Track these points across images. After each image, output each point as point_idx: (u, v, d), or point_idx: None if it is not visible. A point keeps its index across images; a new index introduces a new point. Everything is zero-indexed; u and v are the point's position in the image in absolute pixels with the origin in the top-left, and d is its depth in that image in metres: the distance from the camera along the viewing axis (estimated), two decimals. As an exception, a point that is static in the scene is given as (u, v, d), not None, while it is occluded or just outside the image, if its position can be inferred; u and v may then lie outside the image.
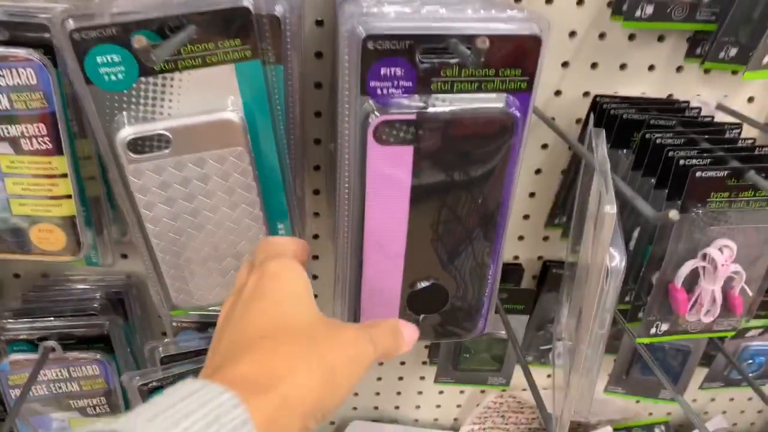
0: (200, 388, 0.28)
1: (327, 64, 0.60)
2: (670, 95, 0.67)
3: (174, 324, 0.64)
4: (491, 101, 0.42)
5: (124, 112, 0.43)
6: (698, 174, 0.50)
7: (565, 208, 0.73)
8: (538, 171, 0.71)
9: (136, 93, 0.43)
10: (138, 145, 0.44)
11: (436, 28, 0.39)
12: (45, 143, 0.53)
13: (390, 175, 0.43)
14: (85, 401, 0.67)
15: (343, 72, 0.39)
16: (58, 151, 0.53)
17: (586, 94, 0.66)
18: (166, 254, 0.49)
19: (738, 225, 0.53)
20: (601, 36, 0.62)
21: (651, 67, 0.65)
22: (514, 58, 0.40)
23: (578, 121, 0.68)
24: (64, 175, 0.54)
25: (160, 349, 0.61)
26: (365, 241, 0.47)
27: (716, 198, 0.52)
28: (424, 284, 0.50)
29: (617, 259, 0.47)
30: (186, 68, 0.43)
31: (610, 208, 0.43)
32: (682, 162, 0.52)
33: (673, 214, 0.39)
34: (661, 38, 0.63)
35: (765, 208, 0.52)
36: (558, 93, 0.66)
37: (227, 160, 0.46)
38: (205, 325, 0.63)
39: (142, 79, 0.42)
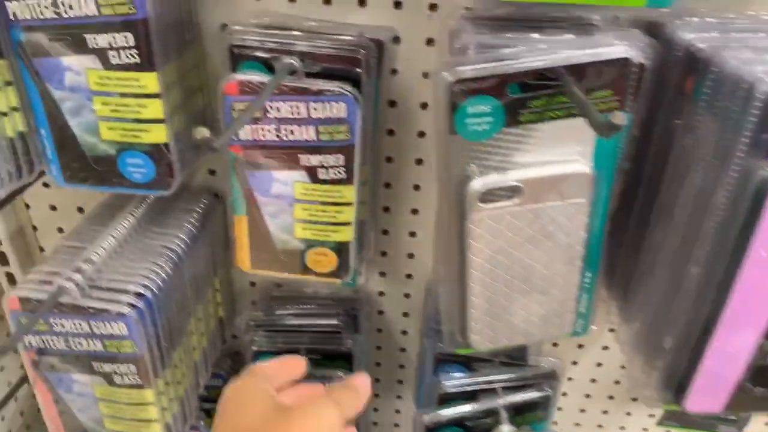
0: None
1: None
2: None
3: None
4: None
5: (477, 162, 0.42)
6: None
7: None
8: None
9: (495, 143, 0.41)
10: (488, 196, 0.42)
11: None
12: (339, 173, 0.53)
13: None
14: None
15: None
16: (349, 181, 0.53)
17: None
18: (478, 298, 0.48)
19: None
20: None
21: None
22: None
23: None
24: (350, 204, 0.54)
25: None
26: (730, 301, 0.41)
27: None
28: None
29: None
30: (550, 119, 0.41)
31: None
32: None
33: None
34: None
35: None
36: None
37: (568, 211, 0.44)
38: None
39: (505, 129, 0.41)
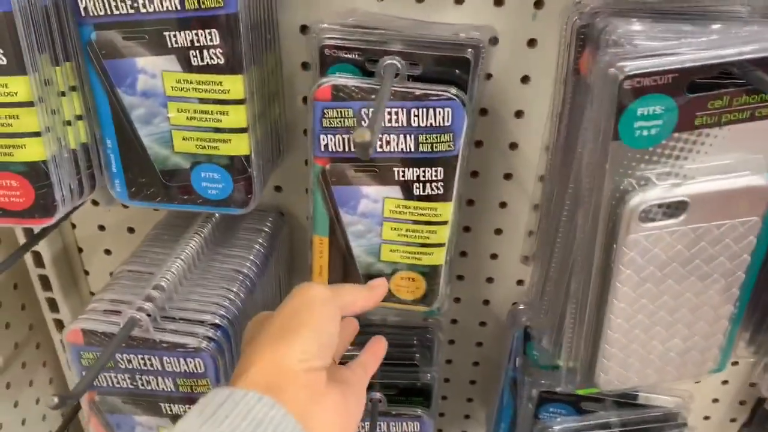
0: (242, 397, 0.31)
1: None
2: None
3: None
4: None
5: (638, 173, 0.36)
6: None
7: None
8: None
9: (661, 151, 0.35)
10: (649, 213, 0.36)
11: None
12: (437, 188, 0.47)
13: None
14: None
15: None
16: (446, 197, 0.47)
17: None
18: (616, 332, 0.41)
19: None
20: None
21: None
22: None
23: None
24: (445, 223, 0.48)
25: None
26: None
27: None
28: None
29: None
30: (729, 122, 0.35)
31: None
32: None
33: None
34: None
35: None
36: None
37: (736, 231, 0.38)
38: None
39: (675, 135, 0.35)
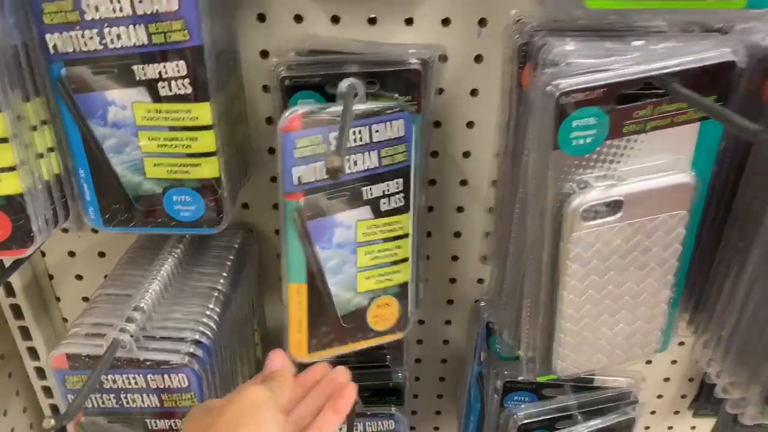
0: None
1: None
2: None
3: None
4: None
5: (578, 177, 0.40)
6: None
7: None
8: None
9: (596, 157, 0.39)
10: (589, 212, 0.40)
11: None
12: (399, 201, 0.50)
13: None
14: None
15: None
16: (406, 208, 0.50)
17: None
18: (568, 322, 0.45)
19: None
20: None
21: None
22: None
23: None
24: (407, 235, 0.51)
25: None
26: None
27: None
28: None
29: None
30: (653, 129, 0.39)
31: None
32: None
33: None
34: None
35: None
36: None
37: (667, 224, 0.42)
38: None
39: (607, 142, 0.39)
